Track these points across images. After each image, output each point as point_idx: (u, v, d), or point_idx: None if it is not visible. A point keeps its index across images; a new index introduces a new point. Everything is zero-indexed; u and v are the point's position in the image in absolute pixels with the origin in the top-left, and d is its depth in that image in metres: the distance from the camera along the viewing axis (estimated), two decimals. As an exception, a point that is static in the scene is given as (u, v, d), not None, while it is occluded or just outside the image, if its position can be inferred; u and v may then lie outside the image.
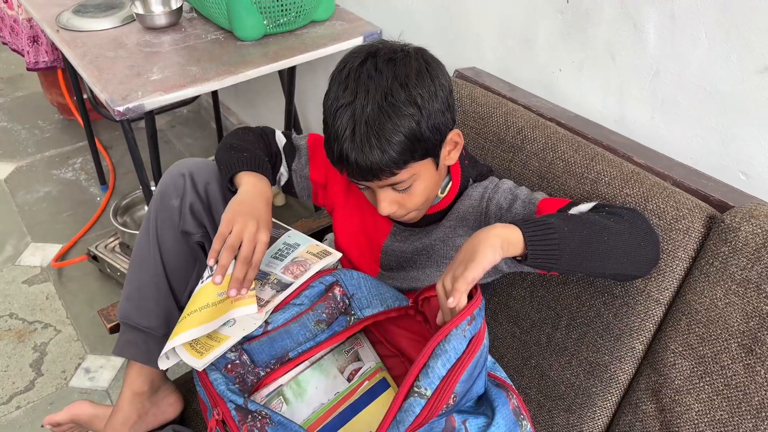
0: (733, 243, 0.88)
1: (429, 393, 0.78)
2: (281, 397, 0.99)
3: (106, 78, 1.43)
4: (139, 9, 1.64)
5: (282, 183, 1.15)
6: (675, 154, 1.08)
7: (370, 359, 1.06)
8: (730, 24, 0.95)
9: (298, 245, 1.05)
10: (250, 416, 0.86)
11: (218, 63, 1.49)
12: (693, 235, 0.93)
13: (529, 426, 0.89)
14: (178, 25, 1.66)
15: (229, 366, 0.95)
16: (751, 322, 0.86)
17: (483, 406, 0.87)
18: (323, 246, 1.05)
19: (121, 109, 1.33)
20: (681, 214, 0.93)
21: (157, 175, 1.84)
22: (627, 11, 1.08)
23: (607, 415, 1.04)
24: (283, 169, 1.13)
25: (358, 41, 1.59)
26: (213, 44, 1.58)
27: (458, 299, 0.77)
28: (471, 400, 0.86)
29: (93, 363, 1.93)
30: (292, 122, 1.99)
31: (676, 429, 0.94)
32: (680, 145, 1.08)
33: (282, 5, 1.55)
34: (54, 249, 2.34)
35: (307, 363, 1.03)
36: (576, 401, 1.05)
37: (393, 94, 0.87)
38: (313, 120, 2.17)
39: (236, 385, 0.95)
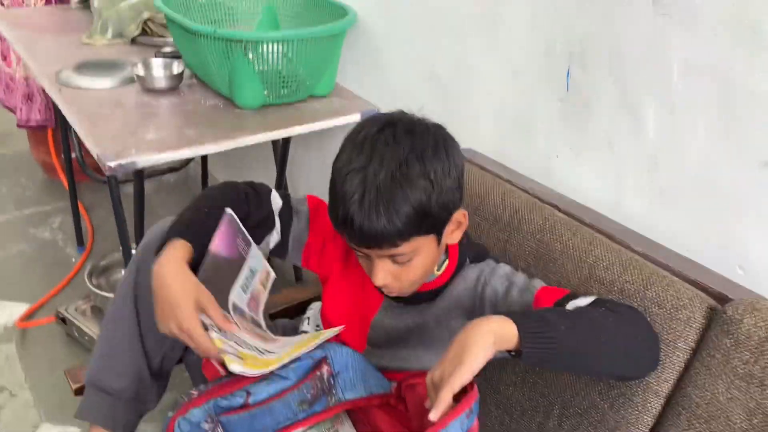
0: (736, 336, 0.86)
1: None
2: None
3: (100, 134, 1.42)
4: (140, 71, 1.65)
5: (272, 246, 1.11)
6: (672, 244, 1.08)
7: None
8: (730, 118, 0.97)
9: (256, 271, 1.03)
10: None
11: (215, 128, 1.49)
12: (694, 325, 0.91)
13: None
14: (177, 89, 1.67)
15: None
16: (754, 420, 0.83)
17: None
18: (272, 275, 1.07)
19: (112, 164, 1.31)
20: (681, 303, 0.92)
21: (140, 238, 1.80)
22: (626, 101, 1.10)
23: None
24: (276, 234, 1.09)
25: (355, 118, 1.60)
26: (211, 110, 1.58)
27: (441, 411, 0.74)
28: None
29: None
30: (281, 194, 1.97)
31: None
32: (678, 236, 1.08)
33: (283, 77, 1.57)
34: (21, 308, 2.24)
35: None
36: (567, 498, 1.00)
37: (408, 165, 0.86)
38: (303, 192, 2.17)
39: None
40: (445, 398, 0.75)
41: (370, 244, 0.89)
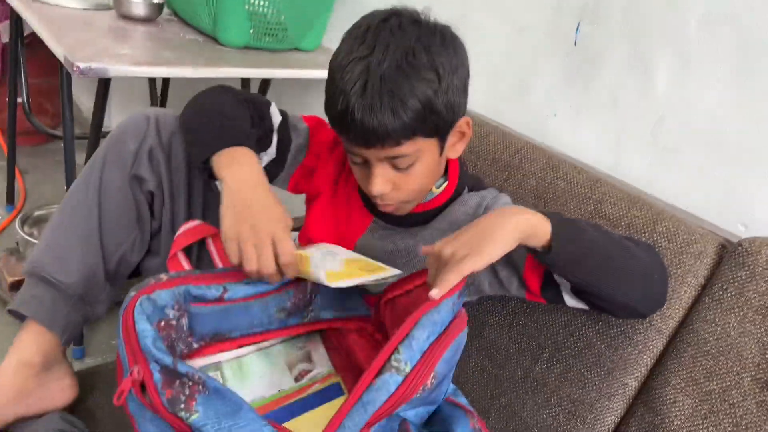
0: (752, 267, 0.82)
1: (408, 368, 0.66)
2: (219, 372, 0.82)
3: (69, 41, 1.30)
4: (117, -6, 1.55)
5: (264, 164, 1.00)
6: (673, 200, 1.05)
7: (323, 364, 0.91)
8: (747, 69, 0.96)
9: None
10: (178, 381, 0.69)
11: (195, 56, 1.39)
12: (705, 260, 0.87)
13: None
14: (155, 21, 1.57)
15: (163, 323, 0.77)
16: (768, 353, 0.79)
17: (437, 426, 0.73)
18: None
19: (81, 65, 1.19)
20: (693, 238, 0.88)
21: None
22: (637, 56, 1.09)
23: (587, 465, 0.90)
24: (272, 150, 1.00)
25: (341, 74, 1.54)
26: (191, 43, 1.49)
27: (443, 292, 0.68)
28: (433, 401, 0.73)
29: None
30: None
31: (672, 478, 0.82)
32: (679, 192, 1.05)
33: (269, 23, 1.50)
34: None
35: (253, 347, 0.86)
36: (551, 447, 0.92)
37: (415, 55, 0.79)
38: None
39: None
40: (451, 280, 0.69)
41: (371, 142, 0.81)
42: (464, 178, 0.98)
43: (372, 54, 0.80)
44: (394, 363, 0.65)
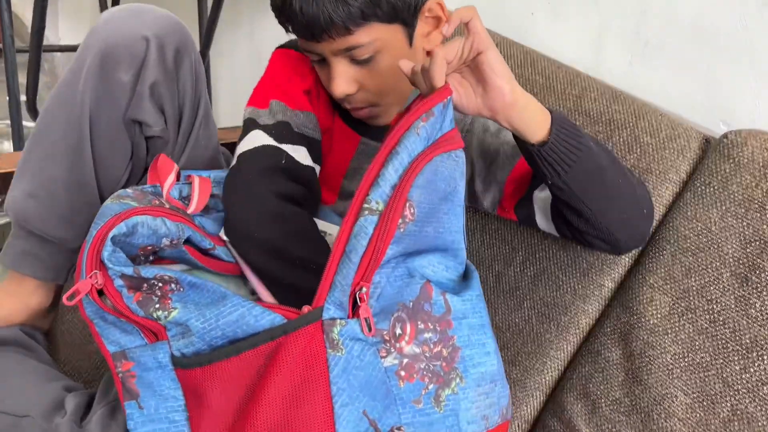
0: (737, 159, 0.78)
1: (381, 207, 0.61)
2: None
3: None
4: None
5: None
6: (654, 98, 1.00)
7: None
8: (736, -44, 0.90)
9: None
10: (145, 284, 0.64)
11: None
12: (688, 155, 0.83)
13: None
14: None
15: (149, 248, 0.72)
16: (749, 248, 0.76)
17: (468, 289, 0.69)
18: None
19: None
20: (676, 133, 0.84)
21: (32, 96, 1.56)
22: (621, -55, 1.02)
23: (559, 367, 0.89)
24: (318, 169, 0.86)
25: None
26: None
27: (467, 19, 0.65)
28: (442, 246, 0.68)
29: None
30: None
31: (646, 376, 0.80)
32: (660, 90, 1.00)
33: None
34: None
35: None
36: (523, 350, 0.90)
37: None
38: (226, 87, 1.96)
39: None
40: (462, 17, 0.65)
41: (317, 34, 0.74)
42: None
43: None
44: (366, 206, 0.60)
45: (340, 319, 0.60)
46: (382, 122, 0.86)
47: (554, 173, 0.70)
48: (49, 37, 2.86)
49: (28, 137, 0.85)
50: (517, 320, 0.91)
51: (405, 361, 0.62)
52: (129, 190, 0.73)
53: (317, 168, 0.83)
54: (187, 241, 0.75)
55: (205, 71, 1.78)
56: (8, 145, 1.88)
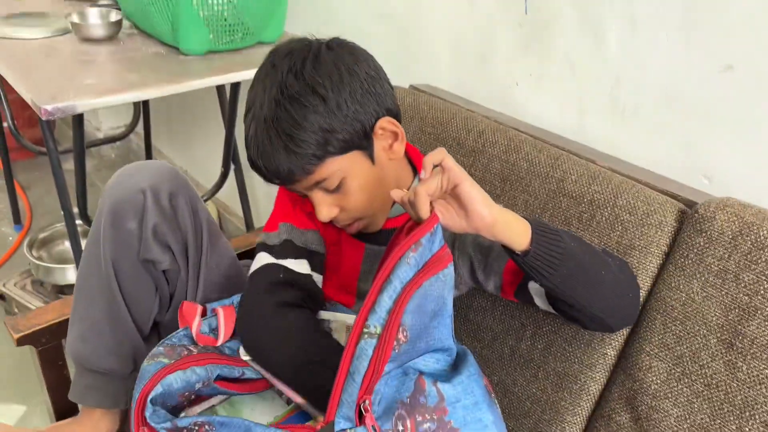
0: (709, 233, 0.84)
1: (378, 330, 0.70)
2: (214, 414, 0.88)
3: (34, 79, 1.32)
4: (75, 19, 1.55)
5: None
6: (637, 160, 1.06)
7: None
8: (691, 25, 0.96)
9: None
10: (185, 430, 0.76)
11: (159, 72, 1.41)
12: (666, 229, 0.89)
13: (498, 410, 0.82)
14: (116, 38, 1.57)
15: (187, 393, 0.84)
16: (730, 315, 0.82)
17: (458, 374, 0.78)
18: None
19: (49, 107, 1.21)
20: (652, 208, 0.90)
21: (83, 207, 1.71)
22: (587, 19, 1.08)
23: (578, 431, 0.96)
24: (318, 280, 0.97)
25: (307, 63, 1.54)
26: (154, 57, 1.50)
27: (438, 162, 0.73)
28: (433, 349, 0.78)
29: None
30: (231, 154, 1.90)
31: (654, 439, 0.87)
32: (642, 151, 1.07)
33: (228, 24, 1.50)
34: (-45, 290, 2.11)
35: None
36: (543, 418, 0.97)
37: (287, 86, 0.80)
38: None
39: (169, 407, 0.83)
40: (433, 159, 0.73)
41: (285, 181, 0.84)
42: None
43: (255, 101, 0.83)
44: (365, 330, 0.70)
45: (350, 429, 0.70)
46: (373, 230, 0.95)
47: (541, 276, 0.78)
48: (91, 121, 3.07)
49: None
50: (534, 390, 0.99)
51: None
52: (161, 348, 0.85)
53: (318, 276, 0.94)
54: (220, 377, 0.87)
55: (242, 179, 1.93)
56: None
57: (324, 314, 0.91)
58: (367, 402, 0.71)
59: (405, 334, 0.72)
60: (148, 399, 0.78)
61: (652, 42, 1.01)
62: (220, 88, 1.84)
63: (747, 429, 0.80)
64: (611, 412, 0.92)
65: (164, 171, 0.95)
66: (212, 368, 0.84)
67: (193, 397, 0.86)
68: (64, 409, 1.07)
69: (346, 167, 0.84)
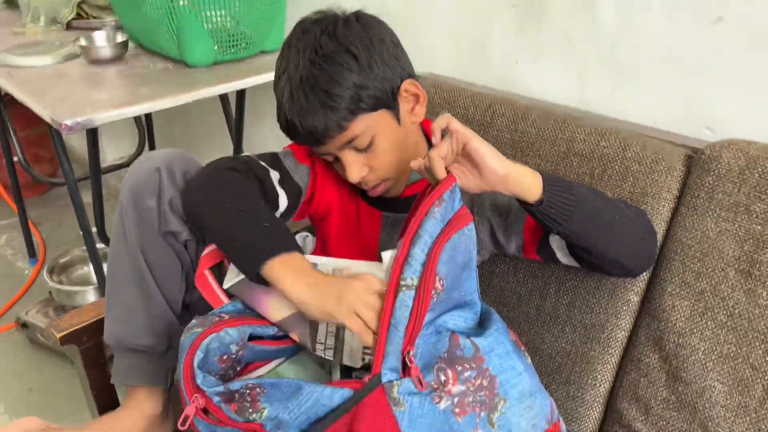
0: (717, 171, 0.89)
1: (416, 282, 0.75)
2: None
3: (50, 100, 1.37)
4: (83, 42, 1.60)
5: (279, 214, 1.02)
6: (640, 120, 1.11)
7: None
8: (680, -17, 1.01)
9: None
10: (237, 394, 0.79)
11: (169, 85, 1.45)
12: (675, 174, 0.94)
13: (529, 360, 0.86)
14: (123, 59, 1.62)
15: (225, 357, 0.87)
16: (745, 246, 0.86)
17: (487, 329, 0.83)
18: None
19: (69, 122, 1.26)
20: (660, 156, 0.95)
21: (102, 231, 1.75)
22: (579, -8, 1.14)
23: (609, 379, 0.99)
24: (283, 202, 0.99)
25: (309, 67, 1.60)
26: (162, 72, 1.55)
27: (444, 126, 0.80)
28: (464, 301, 0.83)
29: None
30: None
31: (684, 374, 0.91)
32: (644, 112, 1.11)
33: (231, 35, 1.55)
34: (-23, 324, 2.14)
35: (283, 359, 0.95)
36: (574, 370, 1.01)
37: (322, 46, 0.87)
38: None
39: (215, 377, 0.86)
40: (441, 125, 0.80)
41: (320, 139, 0.89)
42: None
43: (289, 64, 0.88)
44: (402, 282, 0.75)
45: (396, 380, 0.74)
46: (395, 193, 1.00)
47: (556, 224, 0.83)
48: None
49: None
50: (563, 344, 1.02)
51: (456, 399, 0.75)
52: (194, 321, 0.88)
53: (282, 196, 0.97)
54: (253, 336, 0.90)
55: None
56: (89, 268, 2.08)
57: (310, 258, 0.90)
58: (411, 353, 0.75)
59: (441, 283, 0.77)
60: (195, 365, 0.81)
61: (643, 5, 1.06)
62: (224, 102, 1.89)
63: (773, 352, 0.84)
64: (640, 355, 0.96)
65: (175, 152, 1.00)
66: (245, 329, 0.87)
67: (238, 368, 0.88)
68: (106, 407, 1.09)
69: (376, 124, 0.90)
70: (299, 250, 0.85)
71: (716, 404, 0.88)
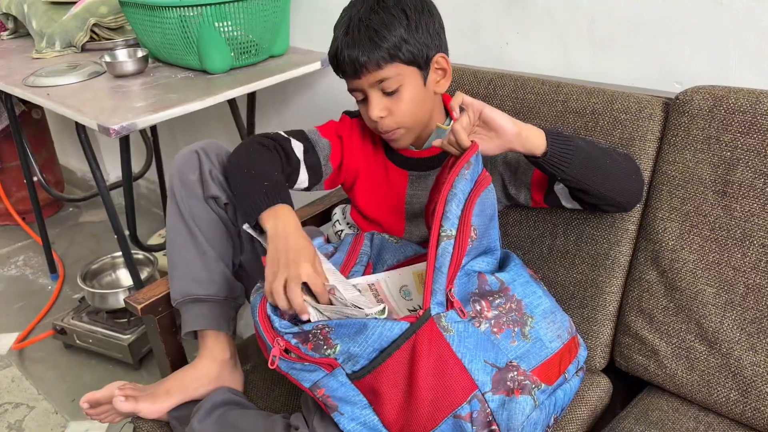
0: (690, 112, 1.07)
1: (454, 232, 0.92)
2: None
3: (90, 110, 1.51)
4: (107, 58, 1.75)
5: (301, 188, 1.21)
6: (619, 81, 1.30)
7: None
8: (644, -38, 1.20)
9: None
10: (310, 335, 0.94)
11: (195, 90, 1.60)
12: (656, 118, 1.12)
13: (543, 286, 1.05)
14: (144, 72, 1.77)
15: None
16: (719, 170, 1.05)
17: (507, 266, 1.03)
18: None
19: (115, 127, 1.41)
20: (642, 105, 1.13)
21: (133, 229, 1.88)
22: (558, -24, 1.32)
23: (617, 299, 1.17)
24: (303, 177, 1.19)
25: (316, 66, 1.77)
26: (185, 80, 1.70)
27: (460, 102, 1.00)
28: (488, 249, 1.01)
29: (78, 428, 1.84)
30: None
31: (679, 283, 1.08)
32: (622, 74, 1.30)
33: (242, 43, 1.71)
34: (10, 338, 2.25)
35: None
36: (587, 295, 1.18)
37: (385, 0, 1.05)
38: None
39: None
40: (459, 102, 1.00)
41: (359, 70, 1.06)
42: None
43: (354, 6, 1.07)
44: (443, 233, 0.92)
45: (443, 312, 0.91)
46: (404, 143, 1.17)
47: (559, 171, 1.01)
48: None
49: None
50: (575, 275, 1.19)
51: (492, 321, 0.93)
52: (258, 284, 1.04)
53: (300, 151, 1.16)
54: None
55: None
56: (125, 272, 2.21)
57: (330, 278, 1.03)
58: (452, 291, 0.92)
59: (475, 232, 0.94)
60: (269, 312, 0.96)
61: (614, -17, 1.25)
62: (233, 105, 2.04)
63: (750, 253, 1.02)
64: (640, 274, 1.14)
65: (211, 141, 1.18)
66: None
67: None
68: (180, 372, 1.24)
69: (405, 75, 1.07)
70: (290, 204, 1.02)
71: (707, 304, 1.06)
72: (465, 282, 0.96)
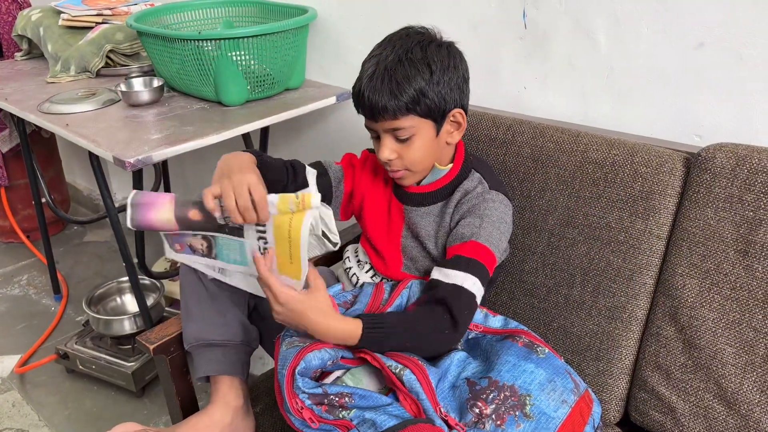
0: (712, 169, 1.07)
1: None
2: (343, 381, 1.04)
3: (106, 141, 1.51)
4: (123, 87, 1.75)
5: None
6: (638, 132, 1.30)
7: None
8: (666, 15, 1.20)
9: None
10: (326, 399, 0.96)
11: (210, 123, 1.61)
12: (677, 173, 1.11)
13: (547, 350, 1.06)
14: (160, 101, 1.77)
15: (319, 370, 1.02)
16: (741, 229, 1.04)
17: (489, 359, 1.07)
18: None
19: (131, 160, 1.40)
20: (663, 159, 1.13)
21: (141, 256, 1.87)
22: (579, 24, 1.33)
23: (633, 353, 1.16)
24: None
25: (331, 101, 1.77)
26: (200, 111, 1.70)
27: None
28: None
29: (78, 456, 1.82)
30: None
31: (698, 341, 1.07)
32: (641, 125, 1.30)
33: (258, 76, 1.72)
34: (12, 360, 2.23)
35: (350, 367, 1.08)
36: (602, 348, 1.17)
37: (413, 52, 1.07)
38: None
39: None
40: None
41: (376, 116, 1.08)
42: (469, 161, 1.20)
43: (383, 52, 1.08)
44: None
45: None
46: (407, 183, 1.18)
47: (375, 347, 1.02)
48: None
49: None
50: (590, 326, 1.18)
51: (493, 416, 0.95)
52: (294, 337, 1.03)
53: (313, 175, 1.16)
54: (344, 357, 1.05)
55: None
56: (131, 298, 2.20)
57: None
58: (442, 410, 0.96)
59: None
60: (297, 372, 0.96)
61: (635, 34, 1.26)
62: (245, 136, 2.04)
63: (770, 315, 1.01)
64: (658, 329, 1.13)
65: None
66: (338, 350, 1.02)
67: (320, 373, 1.03)
68: (190, 413, 1.22)
69: (419, 127, 1.09)
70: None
71: (727, 364, 1.05)
72: (458, 395, 0.99)
